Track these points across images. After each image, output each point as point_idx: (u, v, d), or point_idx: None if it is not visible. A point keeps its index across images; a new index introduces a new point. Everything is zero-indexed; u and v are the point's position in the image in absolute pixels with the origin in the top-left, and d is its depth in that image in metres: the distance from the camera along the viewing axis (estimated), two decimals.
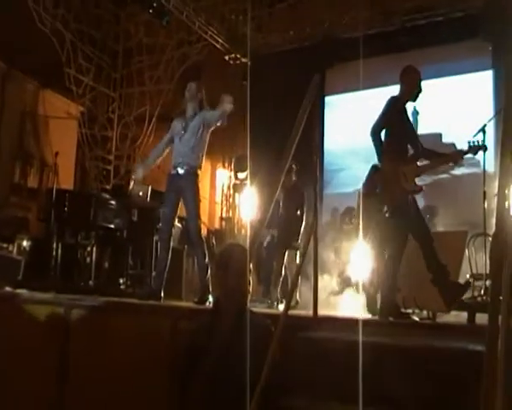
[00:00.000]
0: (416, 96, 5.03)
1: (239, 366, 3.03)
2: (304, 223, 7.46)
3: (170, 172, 5.89)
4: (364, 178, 6.80)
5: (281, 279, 7.29)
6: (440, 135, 9.15)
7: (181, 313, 4.52)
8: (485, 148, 5.08)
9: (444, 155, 5.25)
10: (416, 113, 8.39)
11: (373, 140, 4.87)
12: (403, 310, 4.86)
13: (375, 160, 5.02)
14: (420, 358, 3.01)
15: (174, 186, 5.83)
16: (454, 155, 5.24)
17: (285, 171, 3.83)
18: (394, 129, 4.86)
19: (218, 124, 5.81)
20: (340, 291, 7.23)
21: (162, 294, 5.68)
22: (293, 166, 7.41)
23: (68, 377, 4.55)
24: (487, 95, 9.25)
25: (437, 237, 5.18)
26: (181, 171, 5.77)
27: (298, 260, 7.29)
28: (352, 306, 6.63)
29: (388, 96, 4.87)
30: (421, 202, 9.55)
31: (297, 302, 6.98)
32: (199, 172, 5.85)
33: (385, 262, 4.94)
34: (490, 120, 6.53)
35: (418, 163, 4.99)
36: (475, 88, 9.45)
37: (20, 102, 9.92)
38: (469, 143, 4.96)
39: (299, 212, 7.49)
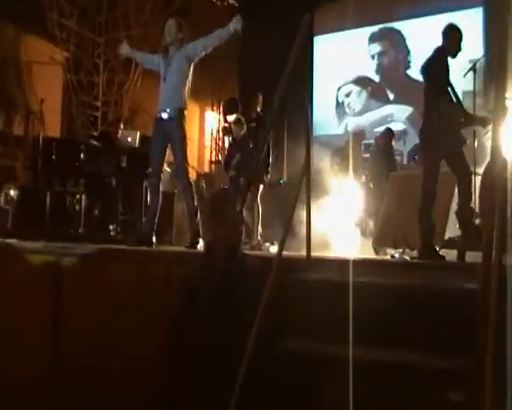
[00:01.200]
0: (456, 54, 5.27)
1: (234, 309, 3.04)
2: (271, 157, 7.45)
3: (156, 115, 5.81)
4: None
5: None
6: None
7: (173, 258, 4.51)
8: None
9: (474, 117, 5.51)
10: None
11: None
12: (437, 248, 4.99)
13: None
14: (415, 297, 3.03)
15: (160, 130, 5.77)
16: (482, 120, 5.41)
17: (274, 110, 3.78)
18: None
19: (217, 44, 5.72)
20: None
21: (154, 239, 5.68)
22: (260, 97, 7.39)
23: (62, 325, 4.56)
24: (477, 33, 9.14)
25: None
26: (165, 115, 5.69)
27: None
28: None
29: None
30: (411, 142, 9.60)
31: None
32: (185, 112, 5.77)
33: (421, 201, 5.06)
34: (480, 59, 6.48)
35: None
36: (465, 26, 9.33)
37: (2, 48, 9.67)
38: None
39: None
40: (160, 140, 5.77)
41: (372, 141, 9.45)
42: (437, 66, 5.17)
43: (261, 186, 7.54)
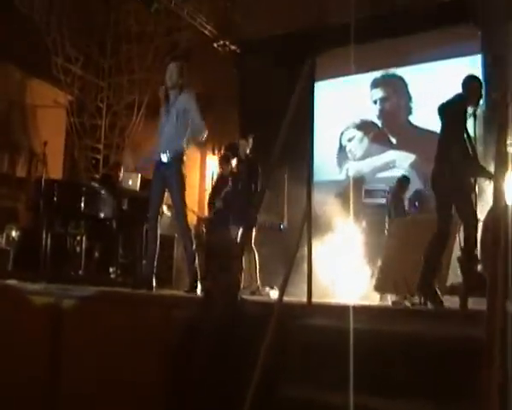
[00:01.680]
0: (477, 104, 5.32)
1: (233, 354, 3.01)
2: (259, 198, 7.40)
3: (156, 159, 5.85)
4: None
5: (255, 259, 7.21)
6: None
7: (172, 302, 4.49)
8: None
9: (484, 170, 5.26)
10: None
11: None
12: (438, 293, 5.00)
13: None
14: (416, 344, 2.99)
15: (159, 174, 5.80)
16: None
17: (275, 156, 3.80)
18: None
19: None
20: None
21: (154, 282, 5.65)
22: (250, 139, 7.43)
23: (60, 368, 4.51)
24: None
25: (429, 223, 5.22)
26: (165, 159, 5.73)
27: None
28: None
29: None
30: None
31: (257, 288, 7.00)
32: (184, 158, 5.81)
33: (430, 243, 5.07)
34: (480, 106, 6.52)
35: None
36: (465, 72, 9.44)
37: (7, 92, 9.79)
38: None
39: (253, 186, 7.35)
40: (158, 183, 5.81)
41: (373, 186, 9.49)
42: (455, 112, 5.19)
43: (253, 230, 7.47)
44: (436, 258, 5.04)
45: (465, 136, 5.10)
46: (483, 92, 5.38)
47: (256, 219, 7.20)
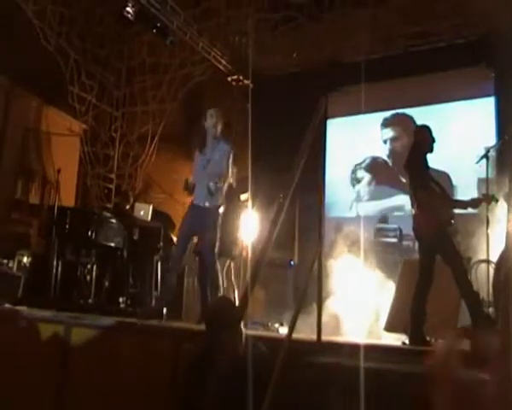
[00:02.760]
0: (432, 147, 5.59)
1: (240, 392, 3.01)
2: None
3: (191, 201, 5.95)
4: None
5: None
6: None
7: (182, 335, 4.50)
8: (496, 200, 5.61)
9: (463, 202, 5.67)
10: None
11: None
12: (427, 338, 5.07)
13: None
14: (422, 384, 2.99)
15: (193, 217, 5.91)
16: (472, 203, 5.62)
17: (290, 193, 3.83)
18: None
19: None
20: None
21: (164, 313, 5.68)
22: (235, 170, 7.48)
23: (67, 397, 4.52)
24: (489, 121, 9.28)
25: (440, 265, 5.27)
26: (202, 204, 5.83)
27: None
28: None
29: None
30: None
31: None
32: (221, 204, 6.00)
33: (416, 290, 5.22)
34: (493, 147, 6.57)
35: None
36: (478, 114, 9.52)
37: (24, 119, 9.93)
38: (483, 194, 5.75)
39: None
40: (189, 227, 5.95)
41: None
42: (415, 162, 5.50)
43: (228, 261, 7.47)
44: (422, 307, 5.13)
45: (430, 181, 5.43)
46: (434, 136, 5.62)
47: (232, 252, 7.25)
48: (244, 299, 3.42)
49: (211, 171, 5.86)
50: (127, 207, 8.63)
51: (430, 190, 5.37)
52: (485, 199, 5.60)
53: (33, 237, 8.53)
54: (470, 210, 5.76)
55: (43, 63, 9.43)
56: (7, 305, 6.23)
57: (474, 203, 5.60)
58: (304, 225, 9.76)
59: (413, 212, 5.45)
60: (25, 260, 7.48)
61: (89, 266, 7.70)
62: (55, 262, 7.12)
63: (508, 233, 2.64)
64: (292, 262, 9.82)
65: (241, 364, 3.16)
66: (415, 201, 5.41)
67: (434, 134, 5.61)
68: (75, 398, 4.49)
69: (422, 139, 5.61)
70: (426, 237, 5.29)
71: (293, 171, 3.65)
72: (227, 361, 3.24)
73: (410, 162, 5.57)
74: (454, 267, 5.12)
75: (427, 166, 5.51)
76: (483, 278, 6.33)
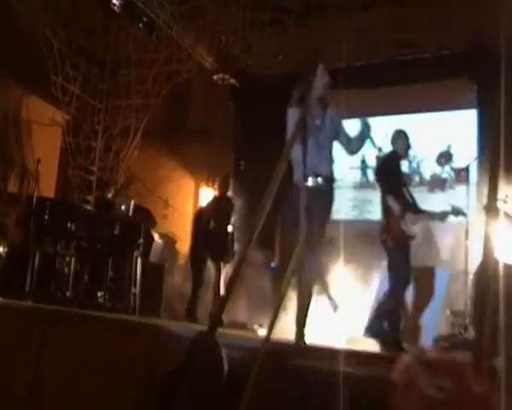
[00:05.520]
0: (407, 154, 5.89)
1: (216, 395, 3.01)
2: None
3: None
4: None
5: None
6: None
7: (160, 332, 4.48)
8: (463, 214, 5.89)
9: (430, 214, 5.82)
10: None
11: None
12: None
13: None
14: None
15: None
16: (440, 215, 5.80)
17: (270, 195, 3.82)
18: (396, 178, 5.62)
19: None
20: None
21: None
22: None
23: (41, 390, 4.48)
24: (471, 134, 9.39)
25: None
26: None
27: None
28: None
29: None
30: None
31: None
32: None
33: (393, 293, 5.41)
34: (474, 160, 6.67)
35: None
36: (459, 126, 9.62)
37: (3, 107, 9.81)
38: (452, 206, 5.77)
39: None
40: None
41: None
42: (389, 167, 5.61)
43: (221, 264, 7.49)
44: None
45: (403, 187, 5.56)
46: (411, 143, 5.77)
47: (233, 255, 7.27)
48: (223, 300, 3.42)
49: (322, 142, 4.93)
50: (108, 200, 8.57)
51: (400, 196, 5.45)
52: (453, 212, 5.72)
53: (10, 226, 8.41)
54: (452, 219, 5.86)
55: (26, 51, 9.33)
56: None
57: (441, 215, 5.75)
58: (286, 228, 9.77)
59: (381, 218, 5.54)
60: (0, 250, 7.39)
61: (67, 259, 7.61)
62: (32, 253, 7.02)
63: (485, 246, 2.69)
64: (273, 264, 9.83)
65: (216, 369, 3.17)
66: (383, 206, 5.49)
67: (416, 144, 5.71)
68: (50, 390, 4.45)
69: (399, 145, 5.70)
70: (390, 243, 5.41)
71: (274, 175, 3.63)
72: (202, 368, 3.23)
73: (385, 165, 5.67)
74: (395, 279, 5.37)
75: (401, 173, 5.67)
76: (461, 289, 6.42)
